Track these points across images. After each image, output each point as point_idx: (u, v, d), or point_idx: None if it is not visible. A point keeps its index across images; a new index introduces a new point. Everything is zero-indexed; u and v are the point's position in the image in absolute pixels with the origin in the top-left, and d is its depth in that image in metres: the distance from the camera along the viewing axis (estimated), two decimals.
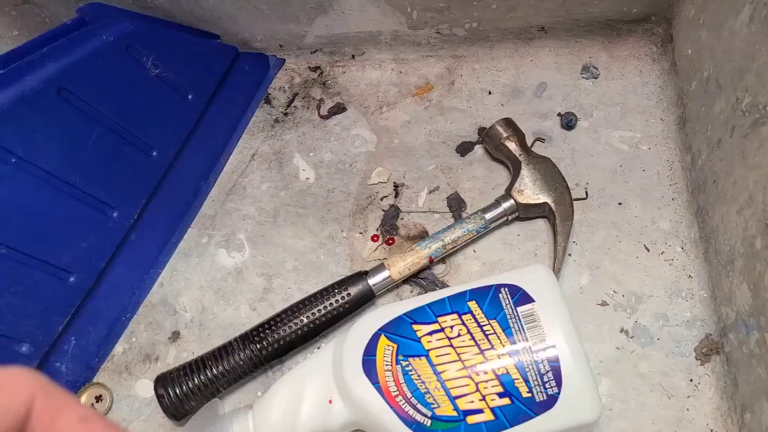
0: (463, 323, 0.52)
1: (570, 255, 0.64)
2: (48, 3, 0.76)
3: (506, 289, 0.53)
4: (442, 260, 0.66)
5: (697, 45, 0.65)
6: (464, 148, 0.72)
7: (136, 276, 0.69)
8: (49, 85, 0.55)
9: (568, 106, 0.73)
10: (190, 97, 0.71)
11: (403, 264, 0.62)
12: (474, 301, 0.53)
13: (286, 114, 0.79)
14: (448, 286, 0.64)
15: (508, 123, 0.68)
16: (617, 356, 0.59)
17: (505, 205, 0.64)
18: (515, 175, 0.65)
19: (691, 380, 0.57)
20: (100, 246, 0.64)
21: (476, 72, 0.78)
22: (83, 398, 0.63)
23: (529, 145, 0.69)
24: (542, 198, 0.63)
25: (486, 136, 0.69)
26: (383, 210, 0.70)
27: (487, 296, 0.53)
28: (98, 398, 0.63)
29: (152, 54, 0.65)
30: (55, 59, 0.56)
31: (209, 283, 0.69)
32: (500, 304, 0.53)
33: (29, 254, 0.57)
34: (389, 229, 0.68)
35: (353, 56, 0.81)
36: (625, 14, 0.75)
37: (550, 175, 0.65)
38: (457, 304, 0.53)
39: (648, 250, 0.64)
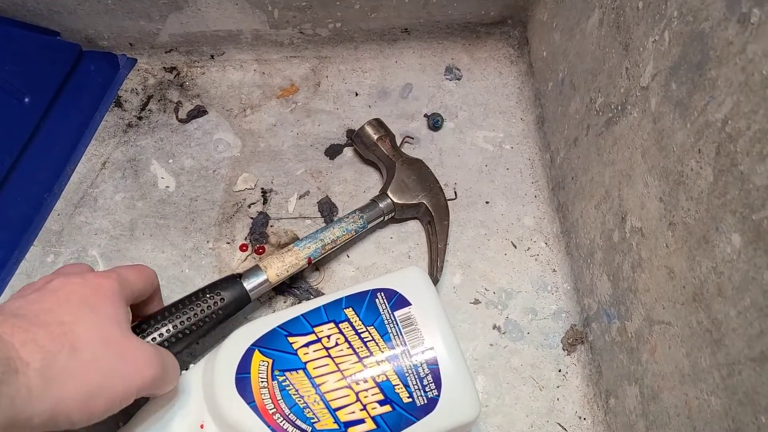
0: (341, 332, 0.51)
1: None
2: None
3: (383, 294, 0.52)
4: (316, 267, 0.64)
5: (552, 47, 0.68)
6: (333, 151, 0.71)
7: None
8: None
9: (434, 107, 0.74)
10: (26, 100, 0.63)
11: (281, 265, 0.58)
12: (351, 308, 0.52)
13: (140, 118, 0.73)
14: (323, 294, 0.62)
15: (379, 123, 0.67)
16: (491, 353, 0.60)
17: (383, 204, 0.63)
18: (390, 175, 0.65)
19: (559, 370, 0.59)
20: None
21: (342, 73, 0.77)
22: None
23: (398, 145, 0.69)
24: (419, 198, 0.63)
25: (356, 137, 0.68)
26: (251, 218, 0.67)
27: (364, 302, 0.52)
28: None
29: None
30: None
31: None
32: (377, 309, 0.52)
33: None
34: (259, 238, 0.65)
35: (212, 56, 0.77)
36: (483, 17, 0.77)
37: (424, 175, 0.65)
38: (333, 312, 0.52)
39: (515, 247, 0.66)
